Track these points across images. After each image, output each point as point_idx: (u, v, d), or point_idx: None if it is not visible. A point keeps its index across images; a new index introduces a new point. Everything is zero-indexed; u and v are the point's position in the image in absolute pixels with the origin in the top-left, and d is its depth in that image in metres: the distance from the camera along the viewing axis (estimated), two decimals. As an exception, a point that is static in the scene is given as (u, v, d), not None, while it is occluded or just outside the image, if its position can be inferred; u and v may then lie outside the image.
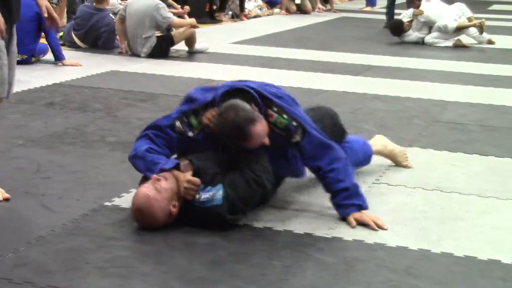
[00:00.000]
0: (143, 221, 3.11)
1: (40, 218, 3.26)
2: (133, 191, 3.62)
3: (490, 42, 10.23)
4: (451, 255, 2.99)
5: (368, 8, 15.44)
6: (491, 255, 3.00)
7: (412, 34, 10.16)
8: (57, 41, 7.37)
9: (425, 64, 8.33)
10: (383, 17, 12.20)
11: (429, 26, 10.11)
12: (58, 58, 7.22)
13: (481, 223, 3.39)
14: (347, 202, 3.30)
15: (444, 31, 9.91)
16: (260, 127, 3.19)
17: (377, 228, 3.20)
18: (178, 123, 3.33)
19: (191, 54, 8.29)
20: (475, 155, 4.55)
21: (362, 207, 3.32)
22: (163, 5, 8.07)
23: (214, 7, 12.67)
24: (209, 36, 9.73)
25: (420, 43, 10.06)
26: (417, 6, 10.18)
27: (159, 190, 3.08)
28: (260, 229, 3.20)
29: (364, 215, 3.29)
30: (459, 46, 9.91)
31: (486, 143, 4.85)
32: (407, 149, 4.37)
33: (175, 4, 10.42)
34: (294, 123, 3.32)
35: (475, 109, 5.95)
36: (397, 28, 10.19)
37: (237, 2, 12.76)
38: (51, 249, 2.89)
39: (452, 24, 9.86)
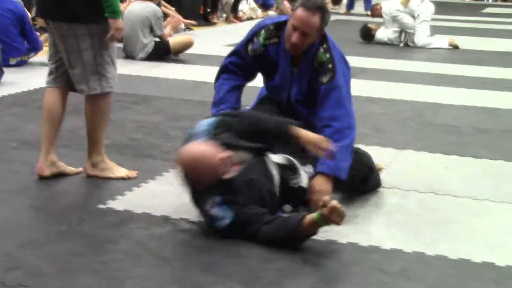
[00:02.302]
0: (194, 167, 3.09)
1: (34, 221, 3.25)
2: (128, 193, 3.63)
3: (452, 44, 10.11)
4: (445, 257, 3.00)
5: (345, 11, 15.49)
6: (485, 257, 3.00)
7: (384, 34, 10.21)
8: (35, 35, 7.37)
9: (419, 66, 8.35)
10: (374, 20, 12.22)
11: (399, 24, 10.13)
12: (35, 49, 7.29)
13: (475, 226, 3.39)
14: (329, 162, 3.37)
15: (396, 20, 10.01)
16: None
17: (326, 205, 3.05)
18: (249, 46, 3.69)
19: (185, 57, 8.28)
20: (469, 158, 4.56)
21: (334, 169, 3.36)
22: (161, 14, 8.12)
23: (208, 9, 12.69)
24: (203, 39, 9.73)
25: (409, 44, 10.08)
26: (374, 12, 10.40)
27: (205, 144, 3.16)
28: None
29: (326, 186, 3.30)
30: (452, 45, 9.94)
31: (480, 146, 4.86)
32: (401, 152, 4.38)
33: (171, 12, 10.28)
34: (330, 66, 3.52)
35: (469, 112, 5.97)
36: (366, 35, 10.26)
37: (230, 3, 12.77)
38: (45, 252, 2.88)
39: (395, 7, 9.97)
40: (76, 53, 3.70)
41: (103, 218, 3.29)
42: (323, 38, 3.60)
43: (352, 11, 15.30)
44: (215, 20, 12.46)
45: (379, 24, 10.45)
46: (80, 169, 3.90)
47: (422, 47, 9.94)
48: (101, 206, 3.44)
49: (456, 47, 9.90)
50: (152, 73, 7.23)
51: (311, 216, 2.95)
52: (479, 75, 7.85)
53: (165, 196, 3.62)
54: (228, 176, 3.09)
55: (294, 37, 3.48)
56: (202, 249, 2.99)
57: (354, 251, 3.04)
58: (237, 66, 3.79)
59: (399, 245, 3.10)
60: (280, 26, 3.65)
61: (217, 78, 3.85)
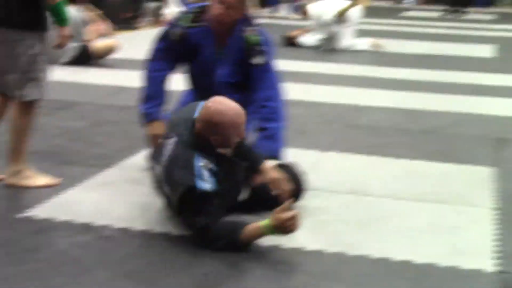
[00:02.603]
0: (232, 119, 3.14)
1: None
2: (50, 201, 3.57)
3: (376, 45, 10.27)
4: (366, 257, 3.06)
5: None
6: (403, 256, 3.08)
7: (309, 40, 10.35)
8: None
9: (342, 69, 8.48)
10: (294, 23, 12.36)
11: (328, 32, 10.24)
12: None
13: (395, 225, 3.47)
14: (268, 142, 3.57)
15: (325, 26, 10.10)
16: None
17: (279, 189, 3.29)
18: (173, 31, 3.78)
19: (108, 61, 8.20)
20: (390, 159, 4.66)
21: (275, 152, 3.58)
22: (84, 19, 8.02)
23: (132, 14, 12.58)
24: (126, 43, 9.64)
25: (331, 47, 10.23)
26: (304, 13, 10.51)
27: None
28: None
29: (276, 172, 3.36)
30: (374, 47, 10.11)
31: (401, 147, 4.98)
32: (325, 154, 4.44)
33: (95, 16, 10.09)
34: (260, 48, 3.67)
35: (390, 113, 6.10)
36: (288, 43, 10.37)
37: (153, 7, 12.70)
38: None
39: (327, 16, 10.02)
40: (11, 59, 3.65)
41: (23, 227, 3.23)
42: (248, 20, 3.72)
43: (277, 14, 15.42)
44: (138, 24, 12.36)
45: (302, 28, 10.58)
46: (0, 176, 3.83)
47: (345, 50, 10.08)
48: (21, 215, 3.37)
49: (378, 49, 10.09)
50: (75, 79, 7.12)
51: (256, 226, 2.97)
52: (400, 77, 8.02)
53: (88, 203, 3.58)
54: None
55: (218, 9, 3.60)
56: (126, 257, 2.96)
57: (277, 254, 3.06)
58: (164, 53, 3.84)
59: (321, 246, 3.15)
60: (203, 10, 3.75)
61: (146, 67, 3.90)
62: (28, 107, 3.76)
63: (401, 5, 20.34)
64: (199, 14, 3.77)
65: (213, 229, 3.01)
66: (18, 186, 3.76)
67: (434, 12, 17.98)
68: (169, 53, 3.85)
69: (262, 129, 3.67)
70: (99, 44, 8.21)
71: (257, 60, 3.67)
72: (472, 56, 10.10)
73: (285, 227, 2.94)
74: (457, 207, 3.76)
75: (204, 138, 3.14)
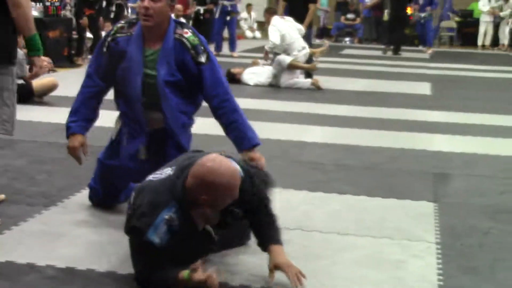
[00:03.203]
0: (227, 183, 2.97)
1: None
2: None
3: (315, 84, 10.31)
4: (313, 292, 3.07)
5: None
6: (350, 290, 3.11)
7: (253, 76, 10.47)
8: None
9: (284, 106, 8.57)
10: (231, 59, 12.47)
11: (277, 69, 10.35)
12: None
13: (339, 260, 3.51)
14: (247, 132, 3.82)
15: (282, 65, 10.24)
16: None
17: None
18: (104, 46, 3.82)
19: (49, 99, 8.10)
20: (333, 194, 4.72)
21: (256, 138, 3.84)
22: (24, 56, 7.90)
23: (73, 51, 12.50)
24: (67, 80, 9.54)
25: (274, 85, 10.32)
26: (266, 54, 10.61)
27: None
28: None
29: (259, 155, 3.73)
30: (315, 86, 10.25)
31: (344, 182, 5.04)
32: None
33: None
34: (202, 48, 3.74)
35: (332, 150, 6.18)
36: (230, 79, 10.43)
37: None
38: None
39: (287, 60, 10.16)
40: None
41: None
42: (180, 23, 3.85)
43: (221, 53, 15.53)
44: (79, 62, 12.27)
45: (242, 66, 10.68)
46: None
47: (287, 87, 10.19)
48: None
49: (318, 87, 10.24)
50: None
51: (182, 275, 2.90)
52: (341, 114, 8.15)
53: (30, 242, 3.51)
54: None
55: (145, 2, 3.67)
56: None
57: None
58: (96, 68, 3.92)
59: (252, 283, 3.15)
60: (133, 23, 3.83)
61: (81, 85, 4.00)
62: None
63: (341, 44, 20.73)
64: (130, 24, 3.84)
65: (147, 277, 2.97)
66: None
67: (373, 50, 18.38)
68: (100, 68, 3.90)
69: (234, 121, 3.84)
70: (40, 81, 8.11)
71: (202, 58, 3.76)
72: (409, 93, 10.33)
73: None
74: (400, 242, 3.83)
75: (192, 194, 2.97)
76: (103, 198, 4.08)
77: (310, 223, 4.04)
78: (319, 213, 4.27)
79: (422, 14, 17.85)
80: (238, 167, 3.06)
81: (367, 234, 3.92)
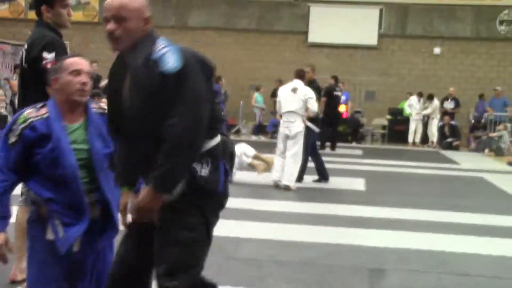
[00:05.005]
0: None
1: None
2: None
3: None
4: None
5: None
6: None
7: None
8: None
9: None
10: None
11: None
12: None
13: None
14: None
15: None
16: None
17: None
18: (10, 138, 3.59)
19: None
20: (270, 291, 4.70)
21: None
22: None
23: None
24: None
25: None
26: None
27: None
28: None
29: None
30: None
31: (279, 278, 5.03)
32: None
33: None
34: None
35: (268, 245, 6.18)
36: None
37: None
38: None
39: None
40: None
41: None
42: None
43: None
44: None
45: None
46: None
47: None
48: None
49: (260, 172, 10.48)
50: None
51: None
52: (276, 210, 8.18)
53: None
54: None
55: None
56: None
57: None
58: (5, 163, 3.64)
59: None
60: (42, 105, 3.69)
61: None
62: None
63: (276, 140, 20.98)
64: (37, 109, 3.67)
65: None
66: None
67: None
68: (9, 160, 3.62)
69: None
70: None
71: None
72: (344, 189, 10.48)
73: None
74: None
75: None
76: None
77: (246, 321, 3.99)
78: (256, 310, 4.23)
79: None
80: None
81: (303, 331, 3.89)
